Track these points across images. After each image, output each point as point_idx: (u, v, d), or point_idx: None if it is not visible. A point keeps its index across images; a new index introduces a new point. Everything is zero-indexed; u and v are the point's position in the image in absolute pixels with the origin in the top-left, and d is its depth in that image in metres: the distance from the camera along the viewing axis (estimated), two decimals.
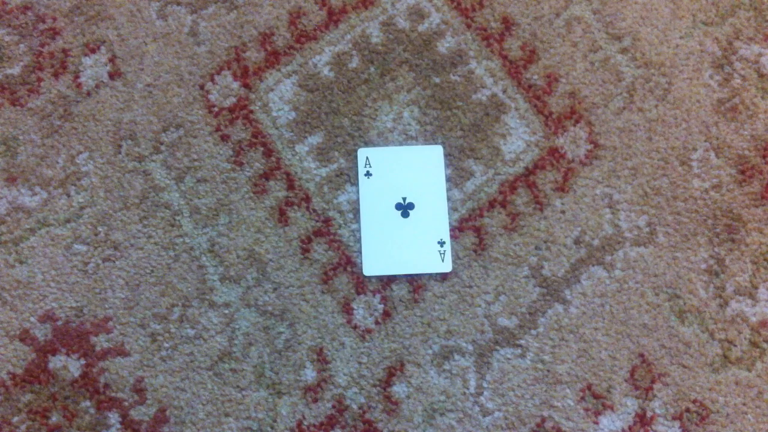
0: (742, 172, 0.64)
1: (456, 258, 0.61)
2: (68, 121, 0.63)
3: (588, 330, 0.60)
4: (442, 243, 0.61)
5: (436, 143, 0.64)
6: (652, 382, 0.59)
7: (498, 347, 0.59)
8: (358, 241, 0.61)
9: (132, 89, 0.64)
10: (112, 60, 0.65)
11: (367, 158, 0.63)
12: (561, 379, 0.59)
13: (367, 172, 0.63)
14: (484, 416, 0.58)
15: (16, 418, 0.58)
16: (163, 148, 0.63)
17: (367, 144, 0.64)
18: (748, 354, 0.60)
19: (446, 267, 0.61)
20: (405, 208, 0.62)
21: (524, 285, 0.61)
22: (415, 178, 0.63)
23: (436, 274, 0.61)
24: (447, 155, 0.64)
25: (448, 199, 0.63)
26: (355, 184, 0.63)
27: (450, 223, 0.62)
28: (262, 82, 0.65)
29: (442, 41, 0.66)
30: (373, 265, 0.61)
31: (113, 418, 0.58)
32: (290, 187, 0.63)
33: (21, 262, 0.60)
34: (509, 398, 0.58)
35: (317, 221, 0.62)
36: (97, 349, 0.59)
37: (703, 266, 0.62)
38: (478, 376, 0.59)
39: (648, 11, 0.68)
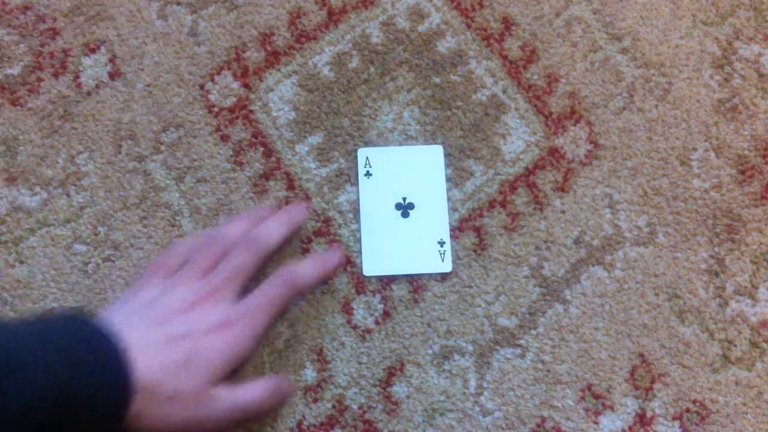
0: (742, 172, 0.64)
1: (456, 258, 0.61)
2: (68, 121, 0.63)
3: (588, 330, 0.60)
4: (442, 243, 0.61)
5: (436, 143, 0.64)
6: (652, 382, 0.59)
7: (498, 347, 0.59)
8: (358, 241, 0.61)
9: (132, 89, 0.64)
10: (112, 60, 0.65)
11: (367, 158, 0.63)
12: (561, 379, 0.59)
13: (367, 172, 0.63)
14: (484, 416, 0.58)
15: None
16: (163, 148, 0.63)
17: (367, 144, 0.64)
18: (748, 354, 0.60)
19: (446, 267, 0.61)
20: (405, 208, 0.62)
21: (524, 285, 0.61)
22: (415, 178, 0.63)
23: (436, 274, 0.61)
24: (447, 155, 0.64)
25: (448, 199, 0.63)
26: (355, 184, 0.63)
27: (450, 223, 0.62)
28: (262, 82, 0.65)
29: (442, 41, 0.66)
30: (373, 265, 0.60)
31: None
32: (290, 187, 0.63)
33: (21, 262, 0.60)
34: (509, 398, 0.58)
35: (317, 221, 0.62)
36: None
37: (703, 266, 0.62)
38: (478, 376, 0.59)
39: (648, 11, 0.68)
